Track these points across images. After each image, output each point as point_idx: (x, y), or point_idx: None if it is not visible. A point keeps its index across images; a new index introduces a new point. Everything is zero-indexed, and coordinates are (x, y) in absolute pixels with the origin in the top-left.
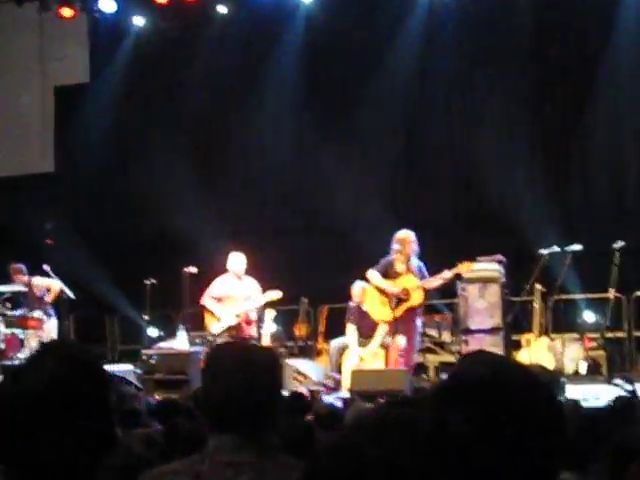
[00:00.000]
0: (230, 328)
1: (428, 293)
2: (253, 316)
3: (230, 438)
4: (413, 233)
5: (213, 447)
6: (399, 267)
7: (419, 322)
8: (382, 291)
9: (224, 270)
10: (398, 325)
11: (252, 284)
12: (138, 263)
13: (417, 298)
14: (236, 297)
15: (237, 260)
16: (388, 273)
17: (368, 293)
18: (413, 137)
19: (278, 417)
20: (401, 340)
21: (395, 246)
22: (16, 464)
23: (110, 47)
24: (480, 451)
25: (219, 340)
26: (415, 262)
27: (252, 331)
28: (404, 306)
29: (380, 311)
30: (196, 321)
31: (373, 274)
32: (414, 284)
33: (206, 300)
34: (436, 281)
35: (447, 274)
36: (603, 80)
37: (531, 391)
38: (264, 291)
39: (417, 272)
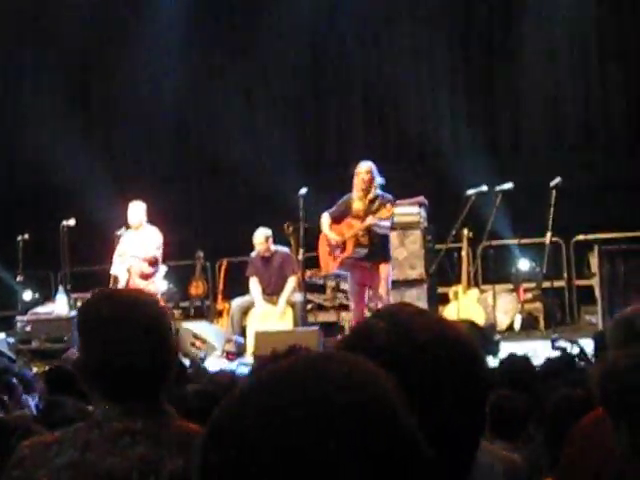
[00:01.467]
0: (126, 284)
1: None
2: (147, 268)
3: (120, 404)
4: (367, 163)
5: (102, 415)
6: (356, 205)
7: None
8: (328, 240)
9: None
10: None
11: (150, 234)
12: (9, 216)
13: (349, 247)
14: (129, 250)
15: (131, 210)
16: (344, 214)
17: (320, 241)
18: (322, 71)
19: (171, 382)
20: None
21: (356, 180)
22: None
23: None
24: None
25: None
26: (372, 197)
27: (151, 286)
28: (340, 257)
29: (327, 262)
30: (77, 281)
31: (323, 216)
32: (352, 230)
33: (114, 257)
34: (366, 224)
35: (369, 220)
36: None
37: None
38: None
39: (382, 221)
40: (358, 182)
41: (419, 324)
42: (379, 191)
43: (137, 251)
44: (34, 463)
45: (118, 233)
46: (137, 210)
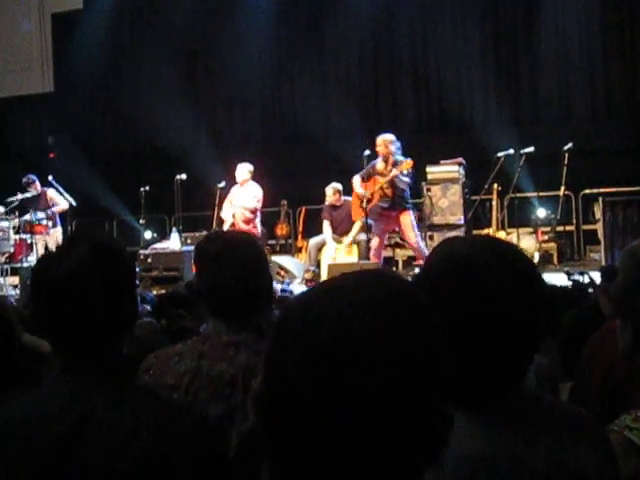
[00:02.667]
0: (231, 225)
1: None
2: (249, 215)
3: (226, 321)
4: (383, 136)
5: (212, 330)
6: (379, 167)
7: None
8: (357, 194)
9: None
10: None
11: (251, 189)
12: (133, 172)
13: (375, 198)
14: (235, 201)
15: (238, 169)
16: (371, 174)
17: (353, 196)
18: (379, 54)
19: (267, 303)
20: (373, 239)
21: (377, 149)
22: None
23: None
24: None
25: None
26: (407, 165)
27: (253, 230)
28: (367, 207)
29: (356, 213)
30: (187, 223)
31: (354, 178)
32: (377, 185)
33: (224, 205)
34: (387, 179)
35: (393, 172)
36: None
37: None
38: None
39: (400, 174)
40: (383, 150)
41: (502, 247)
42: (398, 157)
43: (242, 201)
44: (161, 370)
45: (219, 186)
46: (243, 169)
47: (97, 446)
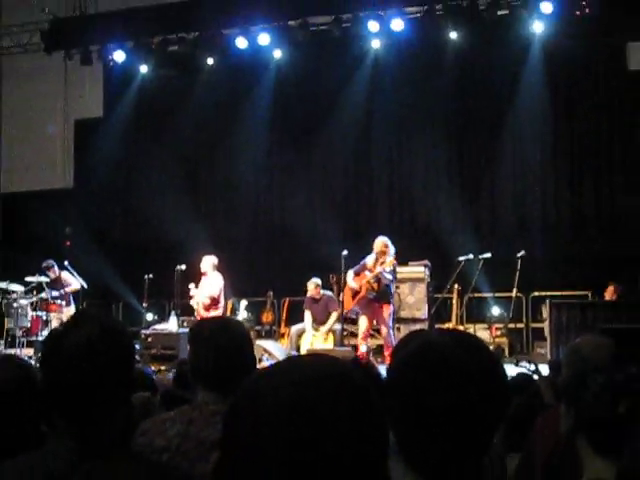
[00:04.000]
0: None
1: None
2: (208, 302)
3: (214, 393)
4: (380, 238)
5: (201, 400)
6: (369, 263)
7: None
8: (349, 287)
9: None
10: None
11: (213, 279)
12: (139, 262)
13: (363, 290)
14: (200, 289)
15: (203, 260)
16: (363, 270)
17: (346, 288)
18: (359, 168)
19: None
20: (361, 321)
21: (376, 248)
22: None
23: (120, 88)
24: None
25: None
26: (390, 263)
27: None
28: (356, 298)
29: (348, 303)
30: (184, 308)
31: (349, 272)
32: (366, 279)
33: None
34: (373, 275)
35: (378, 269)
36: (509, 124)
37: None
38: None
39: (383, 271)
40: (376, 250)
41: (467, 340)
42: (390, 258)
43: (206, 291)
44: (154, 433)
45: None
46: (207, 261)
47: None
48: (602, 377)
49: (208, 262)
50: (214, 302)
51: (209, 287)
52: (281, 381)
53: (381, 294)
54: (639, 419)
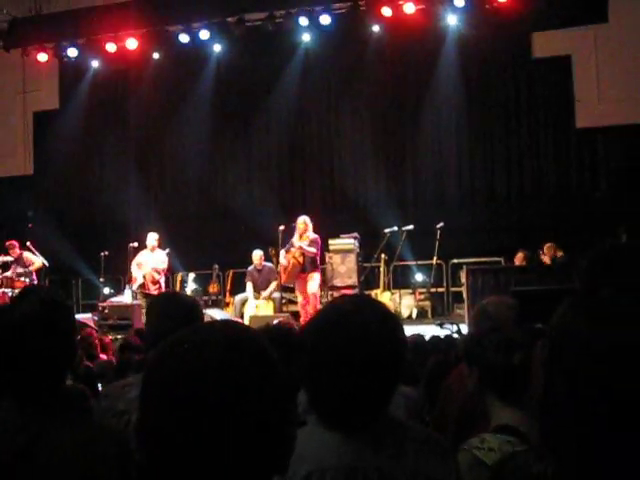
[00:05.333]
0: (140, 285)
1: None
2: (157, 277)
3: None
4: (301, 218)
5: None
6: (294, 242)
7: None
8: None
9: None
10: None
11: (160, 255)
12: (96, 240)
13: (290, 265)
14: (145, 264)
15: (149, 238)
16: (289, 248)
17: (280, 265)
18: (293, 146)
19: None
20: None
21: (299, 226)
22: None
23: (74, 82)
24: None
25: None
26: (307, 238)
27: (158, 290)
28: (286, 272)
29: (283, 277)
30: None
31: (280, 252)
32: (291, 254)
33: (132, 265)
34: (293, 252)
35: (298, 244)
36: (427, 108)
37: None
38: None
39: (306, 245)
40: (297, 229)
41: (370, 306)
42: (310, 234)
43: (154, 264)
44: (115, 397)
45: (133, 245)
46: (153, 237)
47: (43, 464)
48: (497, 335)
49: (154, 238)
50: (161, 276)
51: (160, 262)
52: (189, 342)
53: (306, 265)
54: (530, 369)
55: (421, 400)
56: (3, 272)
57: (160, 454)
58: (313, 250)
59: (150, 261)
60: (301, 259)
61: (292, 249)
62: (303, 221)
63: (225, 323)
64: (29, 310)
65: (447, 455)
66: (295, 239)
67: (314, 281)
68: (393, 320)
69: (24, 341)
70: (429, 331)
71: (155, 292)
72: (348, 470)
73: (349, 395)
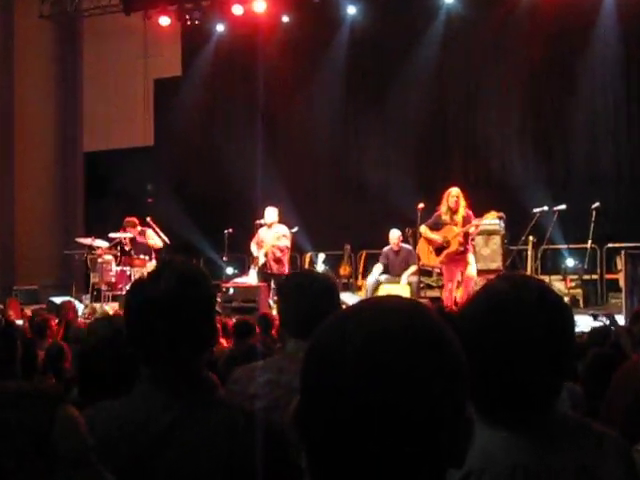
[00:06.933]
0: (263, 265)
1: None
2: (279, 255)
3: (304, 341)
4: (455, 189)
5: (291, 348)
6: (444, 218)
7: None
8: (429, 240)
9: (285, 222)
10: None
11: (280, 230)
12: (219, 217)
13: (454, 245)
14: (266, 241)
15: (268, 213)
16: (437, 224)
17: (420, 242)
18: (434, 120)
19: None
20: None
21: (443, 201)
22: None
23: (198, 47)
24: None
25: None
26: (461, 214)
27: (281, 268)
28: (445, 252)
29: (427, 257)
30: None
31: (423, 227)
32: (453, 233)
33: (251, 245)
34: (469, 228)
35: (475, 221)
36: (581, 75)
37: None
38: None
39: (463, 222)
40: (449, 203)
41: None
42: (464, 210)
43: (275, 241)
44: (246, 381)
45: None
46: (273, 212)
47: (182, 450)
48: None
49: (270, 214)
50: (284, 254)
51: (282, 238)
52: (356, 327)
53: (466, 247)
54: None
55: (579, 389)
56: (122, 250)
57: (336, 446)
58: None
59: (269, 238)
60: (462, 240)
61: (451, 226)
62: (457, 193)
63: (393, 299)
64: (168, 285)
65: (624, 455)
66: (443, 214)
67: (473, 264)
68: (560, 304)
69: (163, 318)
70: (581, 322)
71: (277, 272)
72: (511, 469)
73: (512, 387)
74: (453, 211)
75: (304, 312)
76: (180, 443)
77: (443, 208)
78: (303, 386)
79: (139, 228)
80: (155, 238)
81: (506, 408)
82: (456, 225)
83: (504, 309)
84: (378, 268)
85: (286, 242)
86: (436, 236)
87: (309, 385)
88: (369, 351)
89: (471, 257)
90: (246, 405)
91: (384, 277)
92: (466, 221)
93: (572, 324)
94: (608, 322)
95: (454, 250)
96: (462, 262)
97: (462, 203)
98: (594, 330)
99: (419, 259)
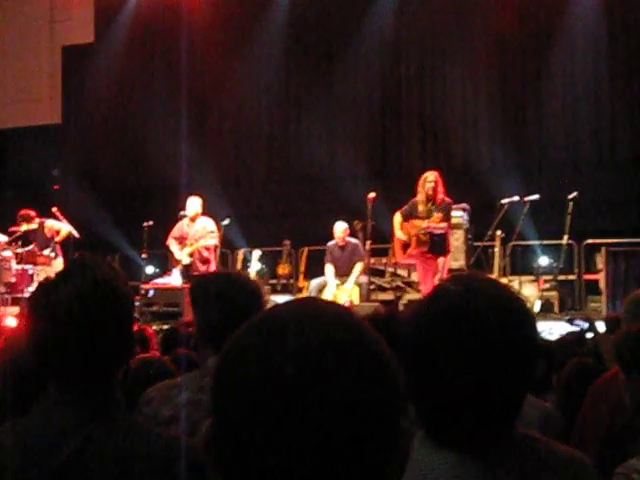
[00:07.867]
0: (187, 266)
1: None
2: (207, 254)
3: None
4: (432, 173)
5: (211, 364)
6: (420, 208)
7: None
8: (395, 238)
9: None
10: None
11: (208, 226)
12: (137, 207)
13: (413, 244)
14: (189, 238)
15: (190, 203)
16: (412, 214)
17: (395, 234)
18: (386, 97)
19: None
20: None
21: (419, 189)
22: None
23: (113, 11)
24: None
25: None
26: (443, 203)
27: (209, 269)
28: (407, 251)
29: (398, 252)
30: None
31: (397, 216)
32: (416, 230)
33: (169, 241)
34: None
35: (424, 224)
36: (558, 46)
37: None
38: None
39: (443, 214)
40: (426, 189)
41: (487, 287)
42: (441, 196)
43: (200, 240)
44: (160, 402)
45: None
46: (195, 203)
47: (94, 470)
48: None
49: (193, 204)
50: (211, 252)
51: (207, 235)
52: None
53: (434, 246)
54: None
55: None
56: (23, 245)
57: (256, 468)
58: (443, 225)
59: (193, 233)
60: (426, 237)
61: (414, 221)
62: (435, 177)
63: (314, 302)
64: (79, 290)
65: (588, 476)
66: (419, 203)
67: (442, 267)
68: (519, 308)
69: (73, 327)
70: (556, 329)
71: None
72: None
73: (461, 403)
74: (431, 200)
75: (222, 324)
76: (90, 470)
77: (420, 197)
78: (215, 407)
79: (37, 220)
80: (59, 227)
81: (455, 426)
82: (435, 218)
83: (454, 316)
84: (330, 270)
85: (214, 240)
86: (401, 234)
87: (221, 406)
88: (287, 370)
89: (441, 260)
90: (163, 430)
91: (329, 278)
92: (447, 212)
93: (533, 331)
94: (586, 327)
95: (417, 250)
96: (431, 263)
97: (441, 190)
98: (564, 338)
99: (394, 255)
